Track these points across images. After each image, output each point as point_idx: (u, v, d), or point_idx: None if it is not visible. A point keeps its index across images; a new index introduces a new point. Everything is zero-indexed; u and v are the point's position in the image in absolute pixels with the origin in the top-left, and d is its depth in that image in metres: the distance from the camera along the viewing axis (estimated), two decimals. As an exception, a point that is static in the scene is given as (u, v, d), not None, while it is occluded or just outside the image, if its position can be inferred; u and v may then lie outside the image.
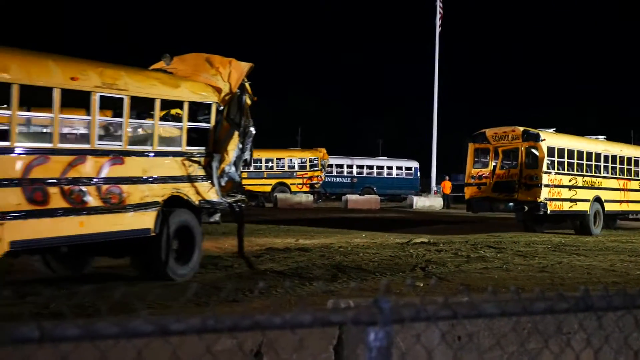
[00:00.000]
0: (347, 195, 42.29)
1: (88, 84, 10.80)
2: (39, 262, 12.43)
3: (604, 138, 29.51)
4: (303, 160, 44.63)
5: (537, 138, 24.06)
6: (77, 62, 11.01)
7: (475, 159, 25.45)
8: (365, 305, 2.53)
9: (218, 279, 12.41)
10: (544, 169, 23.74)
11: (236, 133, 13.29)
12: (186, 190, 12.60)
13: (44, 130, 10.75)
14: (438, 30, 37.42)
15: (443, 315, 2.69)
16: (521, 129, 24.56)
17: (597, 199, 25.86)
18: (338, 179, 49.91)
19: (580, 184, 25.36)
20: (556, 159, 24.37)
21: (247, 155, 13.65)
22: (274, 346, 3.82)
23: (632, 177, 28.56)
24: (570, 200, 24.74)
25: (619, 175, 27.84)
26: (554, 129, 26.59)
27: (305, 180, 43.99)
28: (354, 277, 12.81)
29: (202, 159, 12.96)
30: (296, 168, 44.42)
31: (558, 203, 24.23)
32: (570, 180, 24.90)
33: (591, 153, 26.56)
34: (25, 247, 10.12)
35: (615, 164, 27.70)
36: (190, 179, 12.72)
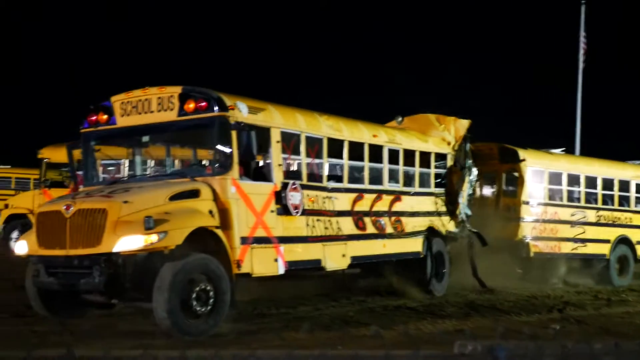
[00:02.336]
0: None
1: (381, 140, 14.30)
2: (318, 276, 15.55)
3: None
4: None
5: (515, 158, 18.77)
6: (372, 124, 14.54)
7: None
8: (482, 353, 2.82)
9: (350, 312, 12.65)
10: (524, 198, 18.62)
11: (467, 177, 16.59)
12: (437, 222, 15.87)
13: (357, 174, 14.15)
14: (582, 66, 34.44)
15: None
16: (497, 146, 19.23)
17: (624, 240, 20.51)
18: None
19: (592, 220, 20.02)
20: (546, 186, 19.09)
21: (471, 191, 16.91)
22: None
23: None
24: (574, 240, 19.54)
25: None
26: (563, 148, 22.85)
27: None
28: (487, 316, 12.70)
29: (444, 198, 16.28)
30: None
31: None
32: (572, 215, 19.62)
33: (611, 180, 20.67)
34: (357, 262, 13.43)
35: None
36: (439, 214, 16.01)
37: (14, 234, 20.50)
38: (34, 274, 10.06)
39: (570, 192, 19.72)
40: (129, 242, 9.35)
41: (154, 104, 10.97)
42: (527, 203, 18.63)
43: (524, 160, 18.67)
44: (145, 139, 11.56)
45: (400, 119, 17.34)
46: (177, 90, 10.86)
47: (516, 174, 18.78)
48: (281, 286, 14.01)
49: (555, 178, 19.36)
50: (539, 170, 18.98)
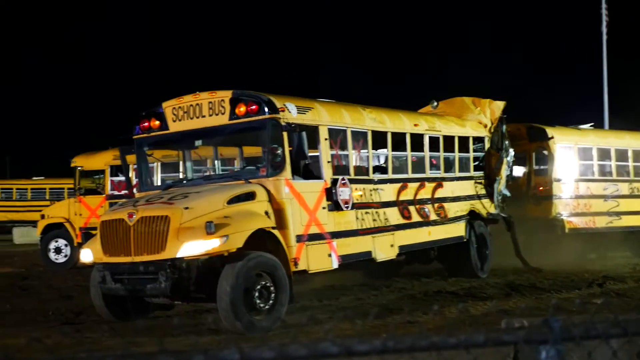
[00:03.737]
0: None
1: (422, 128, 14.50)
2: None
3: None
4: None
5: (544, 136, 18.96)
6: (412, 114, 14.74)
7: None
8: (536, 325, 2.67)
9: (391, 300, 12.83)
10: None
11: (505, 159, 16.75)
12: (478, 205, 16.08)
13: (401, 164, 14.38)
14: (605, 38, 34.38)
15: (613, 333, 2.71)
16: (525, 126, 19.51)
17: None
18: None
19: (626, 192, 20.08)
20: (577, 162, 19.29)
21: (509, 172, 17.08)
22: None
23: None
24: (609, 214, 19.65)
25: None
26: (592, 124, 22.79)
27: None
28: (528, 295, 12.81)
29: (483, 181, 16.47)
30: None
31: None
32: (605, 189, 19.71)
33: None
34: (405, 251, 13.70)
35: None
36: (479, 197, 16.21)
37: (52, 245, 20.78)
38: (99, 280, 10.39)
39: (601, 167, 19.85)
40: (192, 248, 9.66)
41: (205, 109, 11.23)
42: (559, 180, 18.79)
43: (552, 138, 18.82)
44: (198, 142, 11.84)
45: (435, 103, 17.51)
46: (227, 94, 11.10)
47: (546, 152, 18.92)
48: (322, 279, 14.34)
49: (585, 153, 19.48)
50: (568, 146, 19.14)
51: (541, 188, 18.76)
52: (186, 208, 9.91)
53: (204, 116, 11.27)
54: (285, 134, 10.79)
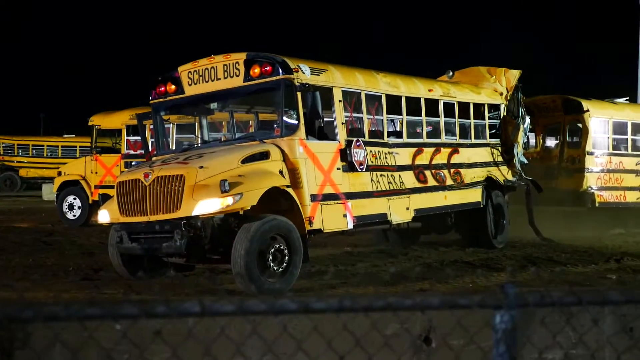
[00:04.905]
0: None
1: (436, 94, 14.51)
2: (376, 233, 15.92)
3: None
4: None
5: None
6: (427, 80, 14.75)
7: None
8: (491, 291, 2.75)
9: (407, 268, 12.91)
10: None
11: (522, 126, 16.73)
12: (494, 172, 16.08)
13: (417, 130, 14.42)
14: None
15: (568, 301, 2.77)
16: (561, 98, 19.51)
17: None
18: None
19: None
20: (610, 135, 19.31)
21: (525, 139, 17.06)
22: (440, 331, 3.83)
23: None
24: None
25: None
26: (627, 97, 22.48)
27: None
28: (543, 268, 12.74)
29: (500, 148, 16.46)
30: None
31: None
32: (638, 164, 19.76)
33: None
34: (420, 214, 13.74)
35: None
36: (496, 164, 16.21)
37: (66, 202, 20.99)
38: (117, 240, 10.52)
39: (635, 141, 19.97)
40: (207, 206, 9.75)
41: (220, 72, 11.31)
42: (592, 153, 18.87)
43: (587, 110, 18.86)
44: (214, 105, 11.93)
45: (451, 73, 17.50)
46: (242, 56, 11.17)
47: (580, 125, 19.00)
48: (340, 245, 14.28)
49: (619, 127, 19.52)
50: (602, 120, 19.16)
51: (573, 160, 18.88)
52: (201, 167, 10.00)
53: (219, 79, 11.34)
54: (299, 95, 10.85)
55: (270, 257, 10.04)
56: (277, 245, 10.12)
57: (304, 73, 11.12)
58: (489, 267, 12.99)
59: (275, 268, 10.10)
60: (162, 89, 11.80)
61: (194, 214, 9.82)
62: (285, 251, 10.22)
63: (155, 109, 11.95)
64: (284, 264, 10.20)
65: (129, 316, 2.46)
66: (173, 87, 11.72)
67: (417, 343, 3.81)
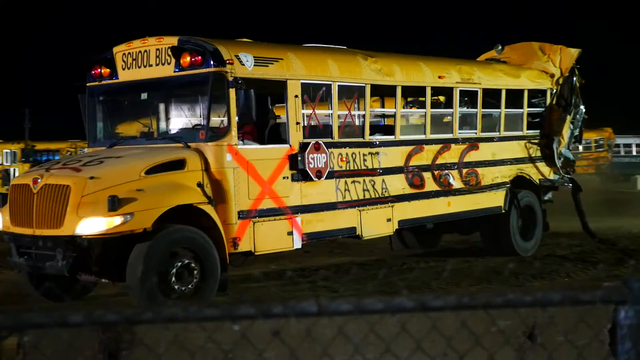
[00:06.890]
0: (637, 176, 41.23)
1: (451, 80, 12.31)
2: (395, 238, 13.99)
3: None
4: (588, 141, 44.14)
5: None
6: (441, 62, 12.54)
7: None
8: (614, 286, 2.62)
9: (499, 263, 12.51)
10: None
11: (568, 116, 14.23)
12: (528, 170, 13.77)
13: (418, 123, 12.37)
14: None
15: None
16: None
17: None
18: (626, 160, 48.61)
19: None
20: None
21: (577, 132, 14.57)
22: (547, 328, 3.69)
23: None
24: None
25: None
26: None
27: (590, 161, 43.55)
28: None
29: (540, 141, 14.08)
30: (581, 149, 44.02)
31: None
32: None
33: None
34: (408, 225, 11.81)
35: None
36: (532, 160, 13.88)
37: None
38: (9, 253, 9.28)
39: None
40: (91, 225, 8.31)
41: (152, 57, 9.70)
42: None
43: None
44: (144, 96, 10.29)
45: (500, 47, 15.17)
46: (173, 41, 9.51)
47: None
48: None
49: None
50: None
51: None
52: (91, 178, 8.51)
53: (150, 65, 9.73)
54: (232, 92, 9.11)
55: (173, 279, 8.54)
56: (181, 262, 8.57)
57: (243, 65, 9.33)
58: (584, 260, 12.74)
59: (182, 289, 8.59)
60: (97, 71, 10.29)
61: (77, 233, 8.39)
62: (195, 271, 8.68)
63: (89, 93, 10.44)
64: (192, 286, 8.66)
65: (247, 317, 2.44)
66: (107, 70, 10.18)
67: (521, 340, 3.75)
